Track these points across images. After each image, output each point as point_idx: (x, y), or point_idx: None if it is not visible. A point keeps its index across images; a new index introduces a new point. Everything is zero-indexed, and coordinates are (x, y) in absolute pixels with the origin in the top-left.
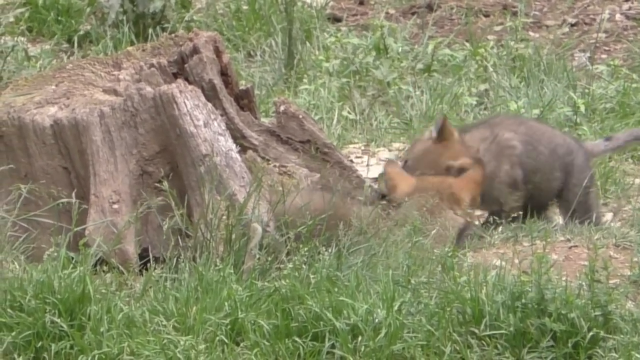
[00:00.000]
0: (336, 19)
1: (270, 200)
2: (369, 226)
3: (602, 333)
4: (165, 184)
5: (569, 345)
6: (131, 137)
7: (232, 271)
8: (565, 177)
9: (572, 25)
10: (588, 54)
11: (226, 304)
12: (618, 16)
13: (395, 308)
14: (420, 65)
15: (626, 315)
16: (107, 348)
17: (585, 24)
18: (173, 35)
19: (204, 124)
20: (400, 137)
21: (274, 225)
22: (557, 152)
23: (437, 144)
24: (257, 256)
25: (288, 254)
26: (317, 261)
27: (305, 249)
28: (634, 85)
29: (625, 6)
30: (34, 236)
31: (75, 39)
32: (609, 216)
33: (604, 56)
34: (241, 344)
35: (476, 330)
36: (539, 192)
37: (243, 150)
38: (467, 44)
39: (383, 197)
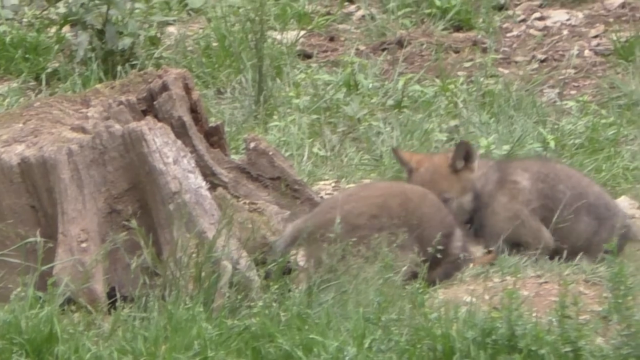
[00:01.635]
0: (306, 56)
1: (240, 237)
2: (339, 263)
3: None
4: (134, 222)
5: None
6: (100, 175)
7: (201, 309)
8: (598, 227)
9: (542, 61)
10: (557, 90)
11: (196, 342)
12: (587, 52)
13: (366, 345)
14: (390, 101)
15: (596, 351)
16: None
17: (555, 60)
18: (142, 72)
19: (173, 161)
20: (371, 173)
21: (245, 263)
22: (587, 198)
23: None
24: (227, 294)
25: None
26: (288, 299)
27: (276, 286)
28: (603, 121)
29: (594, 42)
30: (1, 276)
31: (43, 76)
32: None
33: (573, 92)
34: None
35: None
36: (560, 233)
37: (213, 187)
38: (437, 80)
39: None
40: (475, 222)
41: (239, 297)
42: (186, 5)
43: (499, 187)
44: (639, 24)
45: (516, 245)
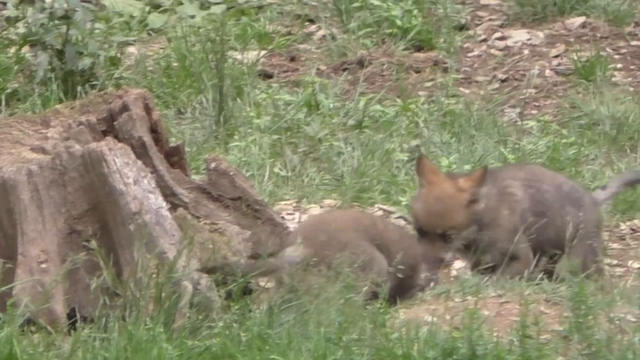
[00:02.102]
0: (267, 76)
1: (201, 258)
2: (300, 283)
3: None
4: (93, 243)
5: None
6: (60, 195)
7: (162, 330)
8: (578, 213)
9: (503, 81)
10: (518, 110)
11: None
12: (548, 72)
13: None
14: (351, 122)
15: None
16: None
17: (516, 79)
18: (102, 92)
19: (133, 181)
20: (332, 193)
21: (205, 283)
22: (562, 188)
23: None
24: (188, 314)
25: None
26: (249, 319)
27: (236, 307)
28: (564, 140)
29: (555, 62)
30: None
31: (3, 97)
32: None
33: (534, 112)
34: None
35: None
36: (555, 229)
37: (173, 207)
38: (398, 100)
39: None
40: (479, 240)
41: (200, 317)
42: (146, 25)
43: (500, 201)
44: (600, 44)
45: (511, 259)
